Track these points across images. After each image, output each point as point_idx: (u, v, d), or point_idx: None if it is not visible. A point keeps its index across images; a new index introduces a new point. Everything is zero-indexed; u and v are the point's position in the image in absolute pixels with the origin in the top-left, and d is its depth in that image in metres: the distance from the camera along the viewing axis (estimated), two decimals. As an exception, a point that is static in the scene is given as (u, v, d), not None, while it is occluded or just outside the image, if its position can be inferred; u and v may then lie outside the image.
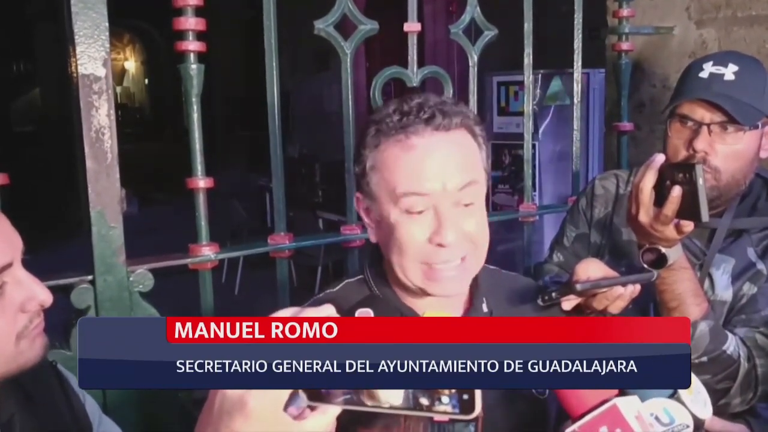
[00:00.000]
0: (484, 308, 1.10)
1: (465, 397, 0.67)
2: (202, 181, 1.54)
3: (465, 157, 1.00)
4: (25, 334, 0.90)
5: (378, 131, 1.00)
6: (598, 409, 0.76)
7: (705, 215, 1.17)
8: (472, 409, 0.67)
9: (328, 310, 0.71)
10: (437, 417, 0.72)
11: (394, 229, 0.99)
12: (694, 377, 0.82)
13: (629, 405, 0.76)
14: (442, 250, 0.98)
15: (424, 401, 0.68)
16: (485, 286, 1.11)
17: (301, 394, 0.69)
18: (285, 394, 0.69)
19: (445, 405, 0.67)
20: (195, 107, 1.51)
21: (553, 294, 1.13)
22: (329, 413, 0.70)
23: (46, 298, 0.92)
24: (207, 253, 1.54)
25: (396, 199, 0.98)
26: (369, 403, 0.68)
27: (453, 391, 0.67)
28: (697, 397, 0.81)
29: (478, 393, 0.67)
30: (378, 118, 1.01)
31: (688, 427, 0.78)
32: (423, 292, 1.02)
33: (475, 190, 1.00)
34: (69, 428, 1.03)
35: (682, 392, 0.79)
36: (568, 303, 1.16)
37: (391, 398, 0.68)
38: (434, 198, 0.97)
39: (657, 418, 0.78)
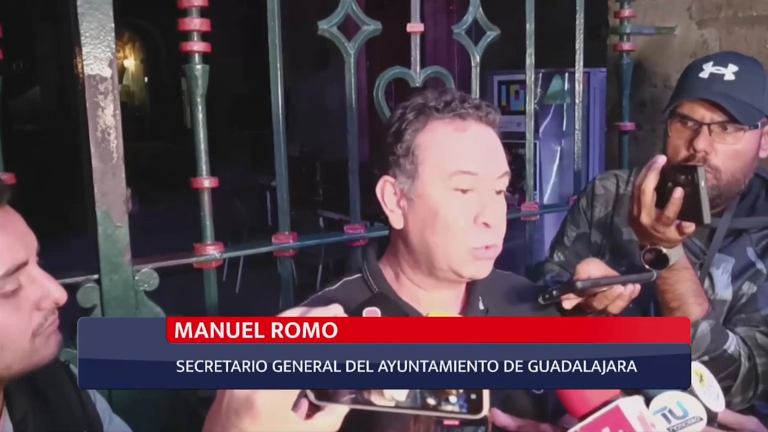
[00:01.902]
0: (480, 306, 1.11)
1: (473, 396, 0.67)
2: (206, 181, 1.54)
3: (501, 150, 1.06)
4: (41, 332, 0.90)
5: (420, 113, 1.04)
6: (600, 411, 0.75)
7: (707, 217, 1.18)
8: (479, 409, 0.67)
9: (336, 310, 0.70)
10: (446, 420, 0.72)
11: (438, 207, 1.01)
12: (705, 370, 0.82)
13: (632, 406, 0.75)
14: (487, 230, 1.01)
15: (431, 401, 0.67)
16: (481, 284, 1.12)
17: (309, 393, 0.69)
18: (293, 393, 0.69)
19: (453, 405, 0.67)
20: (200, 107, 1.52)
21: (554, 292, 1.14)
22: (337, 413, 0.70)
23: (61, 296, 0.93)
24: (212, 252, 1.55)
25: (445, 176, 1.01)
26: (376, 403, 0.68)
27: (460, 390, 0.67)
28: (710, 390, 0.80)
29: (486, 393, 0.67)
30: (416, 105, 1.05)
31: (701, 419, 0.78)
32: (456, 275, 1.04)
33: (506, 181, 1.05)
34: (81, 427, 1.03)
35: (695, 385, 0.79)
36: (569, 302, 1.17)
37: (398, 397, 0.68)
38: (480, 180, 1.01)
39: (671, 411, 0.78)
